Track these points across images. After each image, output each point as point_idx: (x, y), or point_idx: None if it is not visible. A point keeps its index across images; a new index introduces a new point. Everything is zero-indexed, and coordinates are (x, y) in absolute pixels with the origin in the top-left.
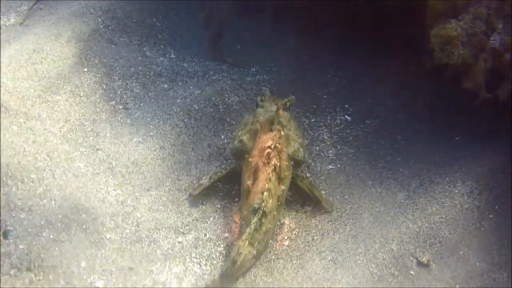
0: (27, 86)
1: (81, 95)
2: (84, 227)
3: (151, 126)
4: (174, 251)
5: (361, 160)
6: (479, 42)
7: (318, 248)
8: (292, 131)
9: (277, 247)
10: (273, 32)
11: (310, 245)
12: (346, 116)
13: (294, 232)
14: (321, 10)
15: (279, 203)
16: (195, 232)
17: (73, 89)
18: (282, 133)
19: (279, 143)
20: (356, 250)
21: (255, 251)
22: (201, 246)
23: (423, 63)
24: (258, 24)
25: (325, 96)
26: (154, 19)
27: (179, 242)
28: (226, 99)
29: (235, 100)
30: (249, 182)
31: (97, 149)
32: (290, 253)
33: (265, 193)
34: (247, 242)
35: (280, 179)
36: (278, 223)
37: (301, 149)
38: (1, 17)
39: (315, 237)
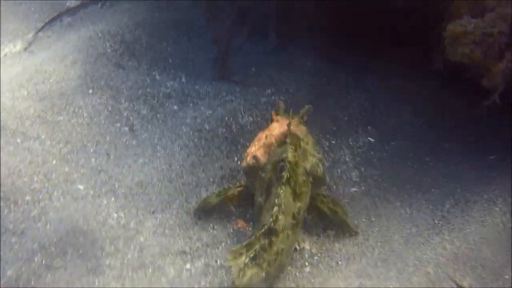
0: (26, 106)
1: (85, 116)
2: (81, 252)
3: (158, 147)
4: (181, 279)
5: (387, 182)
6: (495, 41)
7: (344, 273)
8: (310, 146)
9: (297, 274)
10: (289, 54)
11: (334, 271)
12: (369, 138)
13: (315, 258)
14: (337, 30)
15: (294, 221)
16: (205, 258)
17: (76, 110)
18: (299, 145)
19: (294, 156)
20: (387, 274)
21: (263, 274)
22: (211, 274)
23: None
24: (272, 47)
25: (346, 118)
26: (164, 44)
27: (187, 270)
28: (240, 119)
29: (249, 121)
30: (261, 199)
31: (99, 171)
32: (312, 280)
33: (275, 208)
34: (238, 259)
35: (295, 195)
36: (297, 247)
37: (320, 165)
38: (8, 44)
39: (340, 262)
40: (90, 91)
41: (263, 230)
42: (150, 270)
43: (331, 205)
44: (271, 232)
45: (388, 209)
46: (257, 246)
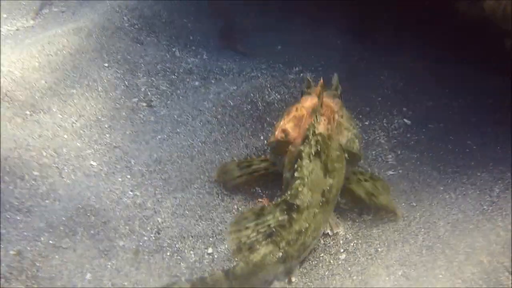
0: (37, 77)
1: (99, 90)
2: (92, 232)
3: (179, 123)
4: (202, 264)
5: (427, 165)
6: None
7: (384, 261)
8: (345, 119)
9: (331, 261)
10: (317, 32)
11: (374, 258)
12: (405, 120)
13: (351, 244)
14: (369, 6)
15: (324, 199)
16: None
17: (91, 83)
18: (333, 116)
19: (327, 128)
20: (434, 262)
21: (280, 253)
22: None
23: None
24: (301, 25)
25: (380, 98)
26: (185, 20)
27: (208, 254)
28: (266, 96)
29: (276, 98)
30: (288, 175)
31: (114, 147)
32: (349, 268)
33: (297, 181)
34: (242, 232)
35: (327, 170)
36: (329, 232)
37: (356, 141)
38: (20, 19)
39: (379, 249)
40: (106, 64)
41: (276, 202)
42: (168, 253)
43: (369, 183)
44: (291, 208)
45: (430, 193)
46: (271, 222)
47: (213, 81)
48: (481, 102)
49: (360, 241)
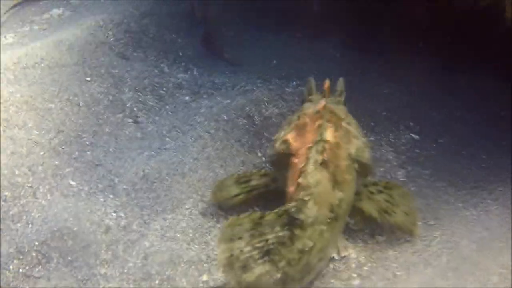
0: (12, 90)
1: (81, 105)
2: (69, 258)
3: (167, 139)
4: None
5: (441, 181)
6: None
7: (405, 286)
8: (352, 126)
9: None
10: (315, 46)
11: (393, 283)
12: (412, 135)
13: (365, 268)
14: (369, 17)
15: (333, 215)
16: None
17: (71, 98)
18: (340, 123)
19: (334, 136)
20: (463, 286)
21: (278, 274)
22: None
23: None
24: (297, 39)
25: (384, 113)
26: (174, 35)
27: (203, 282)
28: (263, 110)
29: (274, 112)
30: (292, 189)
31: (96, 165)
32: None
33: (302, 193)
34: (233, 243)
35: (336, 183)
36: (336, 256)
37: (366, 150)
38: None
39: (398, 273)
40: (88, 78)
41: (279, 211)
42: (157, 281)
43: (384, 195)
44: (293, 223)
45: (448, 211)
46: (269, 236)
47: (205, 96)
48: (495, 114)
49: (375, 265)
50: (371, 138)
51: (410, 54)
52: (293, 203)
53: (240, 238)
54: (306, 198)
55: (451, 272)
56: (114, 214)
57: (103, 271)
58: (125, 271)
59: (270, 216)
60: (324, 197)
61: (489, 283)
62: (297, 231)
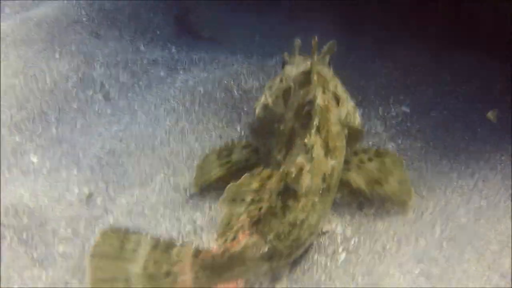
0: None
1: (47, 81)
2: (24, 236)
3: (139, 113)
4: None
5: (434, 154)
6: None
7: (396, 259)
8: (339, 90)
9: (328, 264)
10: (300, 24)
11: (382, 257)
12: (403, 108)
13: (352, 242)
14: None
15: (325, 186)
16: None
17: (37, 74)
18: (327, 86)
19: (324, 98)
20: (460, 256)
21: (266, 248)
22: None
23: None
24: (281, 18)
25: (372, 87)
26: (151, 15)
27: None
28: (243, 83)
29: (254, 86)
30: (279, 157)
31: (61, 141)
32: (351, 270)
33: (299, 158)
34: (236, 206)
35: (328, 150)
36: (324, 229)
37: (356, 114)
38: None
39: (388, 246)
40: (57, 55)
41: (281, 174)
42: None
43: (375, 163)
44: (288, 193)
45: (442, 181)
46: (265, 205)
47: (181, 72)
48: (488, 89)
49: (362, 238)
50: (359, 111)
51: (400, 30)
52: (292, 169)
53: (242, 200)
54: (306, 174)
55: (446, 242)
56: (76, 189)
57: (61, 249)
58: (86, 249)
59: (277, 176)
60: (317, 166)
61: (488, 252)
62: (290, 202)
